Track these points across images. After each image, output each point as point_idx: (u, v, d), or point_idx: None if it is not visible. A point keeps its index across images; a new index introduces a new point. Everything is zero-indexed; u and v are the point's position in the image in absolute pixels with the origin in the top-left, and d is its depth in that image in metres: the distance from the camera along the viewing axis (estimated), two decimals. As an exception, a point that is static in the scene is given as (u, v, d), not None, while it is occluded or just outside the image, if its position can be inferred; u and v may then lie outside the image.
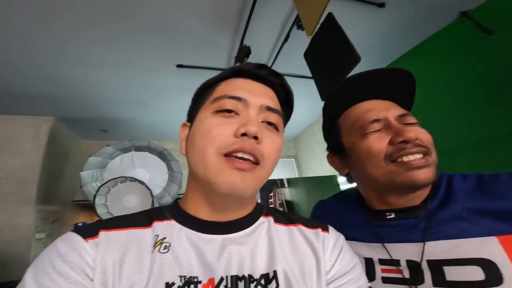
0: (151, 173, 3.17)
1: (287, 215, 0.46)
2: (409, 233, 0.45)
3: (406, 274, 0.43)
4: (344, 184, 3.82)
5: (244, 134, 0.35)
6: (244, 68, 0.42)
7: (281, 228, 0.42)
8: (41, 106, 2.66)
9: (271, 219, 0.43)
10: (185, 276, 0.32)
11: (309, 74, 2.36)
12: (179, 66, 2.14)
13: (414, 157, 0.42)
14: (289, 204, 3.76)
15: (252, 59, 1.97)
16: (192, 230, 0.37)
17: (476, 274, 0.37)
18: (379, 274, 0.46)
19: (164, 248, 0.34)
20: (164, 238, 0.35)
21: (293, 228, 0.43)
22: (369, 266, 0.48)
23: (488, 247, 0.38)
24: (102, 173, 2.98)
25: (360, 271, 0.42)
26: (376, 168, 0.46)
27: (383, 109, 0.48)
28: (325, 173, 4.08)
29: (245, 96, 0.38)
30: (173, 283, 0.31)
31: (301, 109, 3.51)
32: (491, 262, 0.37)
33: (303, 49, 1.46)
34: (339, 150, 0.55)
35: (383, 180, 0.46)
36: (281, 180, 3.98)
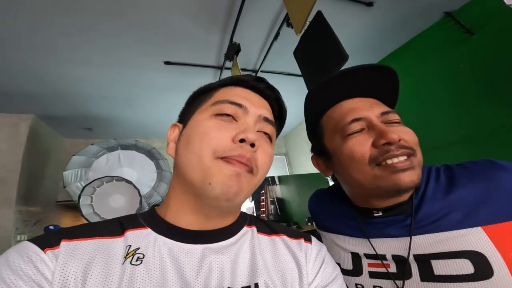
0: (139, 172, 3.09)
1: (270, 225, 0.45)
2: (393, 228, 0.45)
3: (393, 269, 0.43)
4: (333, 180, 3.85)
5: (242, 141, 0.35)
6: (244, 78, 0.43)
7: (264, 238, 0.41)
8: (21, 103, 2.53)
9: (254, 229, 0.42)
10: None
11: (299, 72, 2.38)
12: (167, 63, 2.09)
13: (399, 159, 0.40)
14: (280, 201, 3.79)
15: (241, 56, 1.95)
16: (170, 239, 0.35)
17: (465, 267, 0.36)
18: (366, 268, 0.46)
19: (137, 260, 0.31)
20: (138, 248, 0.33)
21: (276, 239, 0.42)
22: (356, 261, 0.48)
23: (475, 238, 0.37)
24: (87, 172, 2.88)
25: (341, 281, 0.41)
26: (361, 173, 0.44)
27: (365, 108, 0.45)
28: (315, 170, 4.06)
29: (245, 103, 0.38)
30: None
31: (292, 107, 3.52)
32: (479, 254, 0.36)
33: (293, 47, 1.46)
34: (322, 152, 0.52)
35: (368, 185, 0.44)
36: (273, 177, 3.99)
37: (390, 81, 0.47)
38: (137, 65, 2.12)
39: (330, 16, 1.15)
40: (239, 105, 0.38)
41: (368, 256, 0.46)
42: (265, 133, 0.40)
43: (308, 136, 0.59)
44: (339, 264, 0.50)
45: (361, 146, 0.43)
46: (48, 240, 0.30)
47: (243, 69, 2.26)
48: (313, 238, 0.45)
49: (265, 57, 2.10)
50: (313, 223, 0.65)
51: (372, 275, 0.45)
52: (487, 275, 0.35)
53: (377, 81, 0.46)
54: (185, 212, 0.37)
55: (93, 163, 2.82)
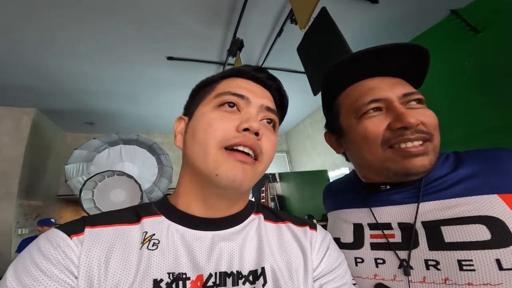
0: (140, 167, 3.10)
1: (277, 213, 0.46)
2: (399, 196, 0.44)
3: (398, 238, 0.41)
4: (334, 179, 3.87)
5: (246, 130, 0.36)
6: (244, 69, 0.44)
7: (270, 226, 0.43)
8: (24, 98, 2.54)
9: (261, 216, 0.44)
10: (173, 273, 0.32)
11: (302, 69, 2.36)
12: (170, 58, 2.08)
13: (413, 144, 0.39)
14: (280, 198, 3.80)
15: (244, 52, 1.94)
16: (182, 226, 0.37)
17: (480, 233, 0.33)
18: (367, 240, 0.45)
19: (153, 245, 0.33)
20: (153, 234, 0.35)
21: (282, 226, 0.43)
22: (358, 233, 0.47)
23: (491, 204, 0.35)
24: (89, 166, 2.89)
25: (345, 268, 0.42)
26: (372, 153, 0.43)
27: (386, 88, 0.43)
28: (315, 168, 4.14)
29: (247, 94, 0.39)
30: (161, 280, 0.31)
31: (293, 104, 3.49)
32: (497, 219, 0.33)
33: (296, 43, 1.45)
34: (336, 129, 0.51)
35: (378, 166, 0.44)
36: (273, 174, 3.99)
37: (418, 61, 0.44)
38: (139, 61, 2.12)
39: (334, 12, 1.14)
40: (241, 96, 0.39)
41: (371, 226, 0.46)
42: (268, 122, 0.41)
43: (324, 112, 0.57)
44: (339, 239, 0.50)
45: (376, 126, 0.42)
46: (73, 227, 0.33)
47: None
48: (318, 226, 0.46)
49: (268, 53, 2.09)
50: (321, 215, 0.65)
51: (374, 246, 0.44)
52: (508, 242, 0.32)
53: (403, 61, 0.44)
54: (194, 201, 0.39)
55: (94, 157, 2.83)
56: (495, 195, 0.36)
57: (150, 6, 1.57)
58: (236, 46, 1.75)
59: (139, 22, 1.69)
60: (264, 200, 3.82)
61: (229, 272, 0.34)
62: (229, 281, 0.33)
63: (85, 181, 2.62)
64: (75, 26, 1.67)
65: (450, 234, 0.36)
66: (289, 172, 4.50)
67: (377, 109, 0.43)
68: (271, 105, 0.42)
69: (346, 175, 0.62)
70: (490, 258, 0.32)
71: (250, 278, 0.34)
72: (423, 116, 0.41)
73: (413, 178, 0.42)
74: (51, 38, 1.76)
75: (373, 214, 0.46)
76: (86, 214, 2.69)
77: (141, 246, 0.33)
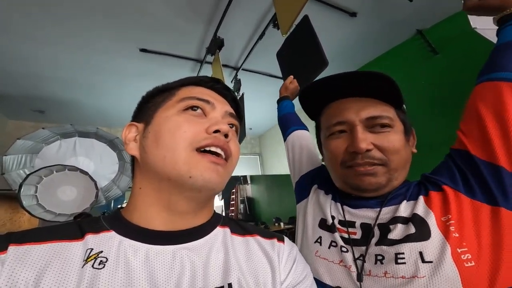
0: (97, 163, 2.81)
1: (244, 226, 0.46)
2: (369, 202, 0.50)
3: (358, 236, 0.47)
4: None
5: (216, 132, 0.37)
6: (203, 79, 0.45)
7: (237, 239, 0.42)
8: None
9: (227, 229, 0.42)
10: None
11: (279, 74, 2.40)
12: (143, 50, 1.93)
13: (363, 166, 0.46)
14: (250, 200, 3.78)
15: (224, 52, 1.89)
16: (137, 242, 0.33)
17: (409, 229, 0.41)
18: (337, 233, 0.50)
19: (99, 264, 0.29)
20: (100, 252, 0.31)
21: (250, 239, 0.43)
22: (332, 221, 0.52)
23: (417, 205, 0.44)
24: (33, 159, 2.52)
25: (311, 280, 0.44)
26: (333, 171, 0.52)
27: (353, 111, 0.48)
28: (285, 172, 4.19)
29: (212, 100, 0.41)
30: None
31: (268, 108, 3.54)
32: (419, 216, 0.42)
33: (276, 48, 1.45)
34: (319, 143, 0.60)
35: (338, 181, 0.53)
36: (245, 176, 3.96)
37: (388, 86, 0.47)
38: (107, 50, 1.92)
39: (314, 20, 1.16)
40: (207, 101, 0.40)
41: (340, 222, 0.51)
42: (231, 126, 0.43)
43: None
44: (322, 211, 0.55)
45: (336, 149, 0.49)
46: None
47: (224, 65, 2.20)
48: (286, 238, 0.46)
49: (248, 55, 2.06)
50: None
51: (341, 238, 0.49)
52: (426, 236, 0.39)
53: (373, 83, 0.47)
54: (155, 211, 0.36)
55: (42, 149, 2.48)
56: (421, 196, 0.44)
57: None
58: (216, 44, 1.69)
59: (112, 9, 1.55)
60: (234, 202, 3.76)
61: None
62: None
63: (27, 175, 2.28)
64: (36, 9, 1.49)
65: (393, 232, 0.43)
66: (260, 175, 4.52)
67: (343, 131, 0.49)
68: (233, 111, 0.44)
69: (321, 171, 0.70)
70: (415, 250, 0.38)
71: None
72: (382, 141, 0.46)
73: (368, 194, 0.49)
74: (6, 19, 1.55)
75: (343, 211, 0.52)
76: (25, 212, 2.34)
77: (84, 264, 0.29)
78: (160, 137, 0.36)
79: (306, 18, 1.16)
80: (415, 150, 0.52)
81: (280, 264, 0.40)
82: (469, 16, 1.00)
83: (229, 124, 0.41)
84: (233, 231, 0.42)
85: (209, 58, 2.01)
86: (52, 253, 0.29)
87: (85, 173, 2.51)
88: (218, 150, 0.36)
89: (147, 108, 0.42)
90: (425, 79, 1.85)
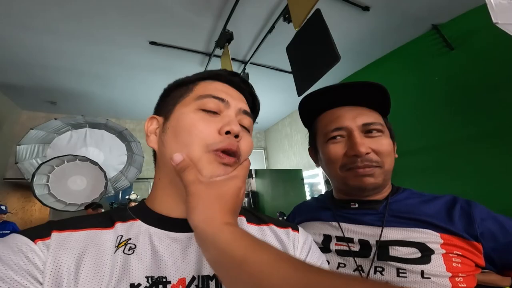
0: (106, 154, 2.87)
1: (259, 216, 0.47)
2: (366, 218, 0.52)
3: (356, 249, 0.50)
4: (308, 178, 4.01)
5: (227, 132, 0.37)
6: (221, 73, 0.45)
7: (253, 228, 0.43)
8: None
9: (243, 218, 0.44)
10: (152, 277, 0.31)
11: (287, 69, 2.37)
12: (152, 43, 1.93)
13: (361, 168, 0.49)
14: (255, 194, 3.81)
15: (232, 46, 1.88)
16: (160, 229, 0.36)
17: (414, 253, 0.45)
18: (333, 247, 0.52)
19: (129, 250, 0.32)
20: (129, 239, 0.34)
21: (265, 228, 0.44)
22: (326, 241, 0.54)
23: (429, 237, 0.46)
24: (45, 149, 2.59)
25: (327, 268, 0.44)
26: (333, 173, 0.54)
27: (349, 118, 0.52)
28: (290, 166, 4.23)
29: (227, 98, 0.41)
30: (139, 284, 0.30)
31: (275, 102, 3.53)
32: (428, 247, 0.45)
33: (285, 42, 1.43)
34: (314, 147, 0.62)
35: (338, 183, 0.55)
36: (250, 170, 3.94)
37: (380, 94, 0.53)
38: (118, 42, 1.94)
39: (326, 14, 1.14)
40: (222, 100, 0.40)
41: (338, 238, 0.53)
42: (244, 126, 0.43)
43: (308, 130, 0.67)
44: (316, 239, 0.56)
45: (336, 152, 0.52)
46: (38, 231, 0.31)
47: (232, 59, 2.19)
48: (300, 228, 0.47)
49: (256, 49, 2.04)
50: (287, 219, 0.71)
51: (338, 252, 0.51)
52: (428, 261, 0.43)
53: (368, 93, 0.53)
54: (173, 201, 0.38)
55: (53, 139, 2.54)
56: (437, 233, 0.46)
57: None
58: (226, 38, 1.68)
59: (124, 2, 1.56)
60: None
61: (211, 275, 0.34)
62: (212, 284, 0.33)
63: (40, 165, 2.35)
64: (54, 4, 1.54)
65: (395, 250, 0.46)
66: (265, 169, 4.53)
67: (340, 136, 0.52)
68: (247, 108, 0.44)
69: (313, 198, 0.71)
70: (417, 269, 0.43)
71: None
72: (377, 145, 0.50)
73: (368, 194, 0.52)
74: (26, 12, 1.59)
75: (341, 229, 0.53)
76: (37, 201, 2.42)
77: (116, 250, 0.32)
78: (178, 133, 0.38)
79: (318, 12, 1.13)
80: (396, 155, 0.57)
81: (296, 252, 0.41)
82: (490, 11, 0.95)
83: (241, 124, 0.41)
84: (249, 221, 0.44)
85: (218, 51, 1.99)
86: (88, 239, 0.32)
87: (95, 163, 2.57)
88: (231, 153, 0.37)
89: (166, 103, 0.43)
90: (439, 75, 1.80)
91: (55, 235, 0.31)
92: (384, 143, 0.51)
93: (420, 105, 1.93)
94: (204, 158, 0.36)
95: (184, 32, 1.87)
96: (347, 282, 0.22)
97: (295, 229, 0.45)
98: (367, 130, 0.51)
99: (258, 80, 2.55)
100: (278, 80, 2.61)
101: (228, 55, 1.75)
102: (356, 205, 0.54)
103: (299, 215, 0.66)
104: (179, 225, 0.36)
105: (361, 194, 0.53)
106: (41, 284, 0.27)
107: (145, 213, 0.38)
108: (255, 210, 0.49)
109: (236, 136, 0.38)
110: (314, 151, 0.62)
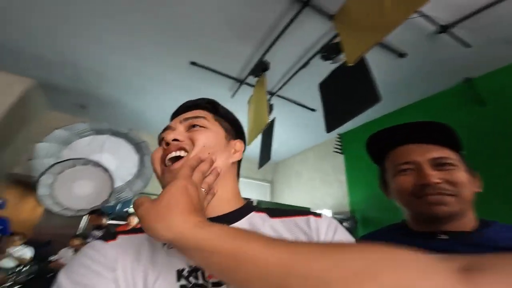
0: (118, 163, 2.86)
1: (280, 210, 0.49)
2: (461, 248, 0.49)
3: None
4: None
5: (167, 144, 0.45)
6: (178, 109, 0.54)
7: (276, 221, 0.45)
8: (24, 66, 2.38)
9: (265, 215, 0.47)
10: (191, 265, 0.37)
11: (311, 105, 2.46)
12: (193, 63, 2.09)
13: (433, 196, 0.51)
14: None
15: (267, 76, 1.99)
16: None
17: None
18: None
19: (169, 247, 0.40)
20: None
21: (287, 220, 0.46)
22: None
23: None
24: (61, 150, 2.61)
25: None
26: (404, 201, 0.57)
27: (418, 153, 0.56)
28: (295, 202, 4.06)
29: (171, 123, 0.49)
30: (183, 269, 0.37)
31: (289, 136, 3.57)
32: None
33: (314, 80, 1.52)
34: (384, 182, 0.65)
35: (410, 211, 0.57)
36: (250, 200, 3.82)
37: (445, 133, 0.56)
38: (159, 59, 2.11)
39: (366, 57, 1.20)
40: (167, 128, 0.49)
41: None
42: (194, 119, 0.48)
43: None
44: None
45: (405, 182, 0.55)
46: (109, 235, 0.42)
47: (259, 88, 2.31)
48: (323, 214, 0.48)
49: (285, 82, 2.17)
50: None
51: None
52: None
53: (433, 132, 0.56)
54: None
55: (73, 141, 2.58)
56: None
57: (186, 12, 1.63)
58: (261, 67, 1.81)
59: (169, 22, 1.73)
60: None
61: None
62: None
63: (53, 164, 2.34)
64: (103, 15, 1.73)
65: None
66: (268, 201, 4.38)
67: (409, 169, 0.56)
68: (191, 114, 0.49)
69: (385, 227, 0.67)
70: None
71: None
72: (450, 176, 0.52)
73: (442, 224, 0.51)
74: (77, 19, 1.77)
75: None
76: (29, 202, 2.37)
77: (163, 246, 0.40)
78: None
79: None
80: (480, 190, 0.56)
81: (320, 237, 0.42)
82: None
83: (187, 119, 0.48)
84: (271, 215, 0.47)
85: (251, 79, 2.11)
86: (144, 240, 0.41)
87: (106, 170, 2.55)
88: (177, 154, 0.44)
89: None
90: (466, 130, 1.80)
91: (120, 237, 0.42)
92: (457, 175, 0.52)
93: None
94: (163, 173, 0.44)
95: (222, 57, 2.01)
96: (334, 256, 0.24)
97: (317, 215, 0.46)
98: (438, 164, 0.54)
99: (280, 113, 2.65)
100: (298, 116, 2.69)
101: (264, 84, 1.85)
102: (445, 236, 0.51)
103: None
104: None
105: (437, 224, 0.52)
106: (115, 271, 0.35)
107: None
108: (278, 206, 0.50)
109: (168, 144, 0.44)
110: (385, 186, 0.65)
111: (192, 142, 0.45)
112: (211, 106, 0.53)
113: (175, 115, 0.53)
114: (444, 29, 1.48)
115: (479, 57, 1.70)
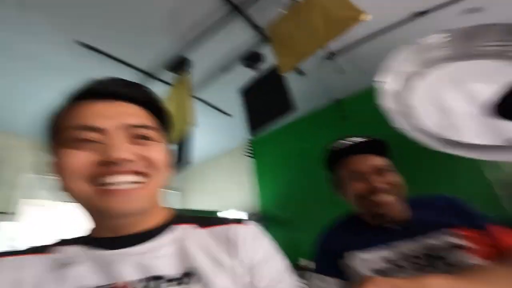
0: None
1: (210, 219, 0.47)
2: (408, 234, 0.65)
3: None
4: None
5: (112, 163, 0.34)
6: (95, 90, 0.38)
7: (204, 232, 0.44)
8: None
9: (194, 226, 0.45)
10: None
11: (226, 109, 2.47)
12: (80, 43, 1.61)
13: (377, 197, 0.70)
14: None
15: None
16: (96, 249, 0.38)
17: None
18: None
19: (65, 266, 0.36)
20: (66, 257, 0.37)
21: (217, 229, 0.44)
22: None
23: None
24: None
25: (279, 258, 0.45)
26: (358, 202, 0.74)
27: (360, 162, 0.72)
28: (208, 208, 3.93)
29: (103, 125, 0.35)
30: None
31: (202, 141, 3.42)
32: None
33: (233, 85, 1.54)
34: (337, 185, 0.83)
35: (364, 209, 0.74)
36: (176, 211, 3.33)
37: (381, 145, 0.74)
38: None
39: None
40: (96, 129, 0.35)
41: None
42: (145, 137, 0.39)
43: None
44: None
45: (357, 188, 0.73)
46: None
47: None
48: (246, 221, 0.48)
49: (204, 84, 2.08)
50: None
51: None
52: None
53: (369, 144, 0.74)
54: (98, 225, 0.41)
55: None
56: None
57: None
58: (180, 63, 1.64)
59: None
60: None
61: (153, 276, 0.36)
62: (151, 283, 0.36)
63: None
64: None
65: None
66: (180, 209, 4.00)
67: (359, 176, 0.72)
68: (137, 120, 0.38)
69: (344, 220, 0.81)
70: None
71: (175, 281, 0.36)
72: (392, 179, 0.72)
73: (386, 218, 0.69)
74: None
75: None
76: None
77: (52, 268, 0.36)
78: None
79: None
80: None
81: (242, 246, 0.42)
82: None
83: (133, 127, 0.37)
84: (201, 225, 0.45)
85: (165, 76, 1.90)
86: (25, 262, 0.36)
87: None
88: (134, 179, 0.36)
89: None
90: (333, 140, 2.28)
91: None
92: (395, 178, 0.71)
93: (310, 176, 2.19)
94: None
95: (130, 44, 1.70)
96: None
97: (240, 222, 0.46)
98: (379, 170, 0.70)
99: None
100: (213, 120, 2.63)
101: (186, 84, 1.66)
102: (399, 227, 0.66)
103: (333, 244, 0.74)
104: (108, 243, 0.39)
105: (384, 218, 0.68)
106: None
107: (83, 238, 0.42)
108: (200, 216, 0.48)
109: (129, 160, 0.35)
110: (336, 188, 0.81)
111: (149, 164, 0.38)
112: (156, 109, 0.43)
113: (91, 95, 0.38)
114: (331, 55, 1.83)
115: (348, 82, 2.20)
